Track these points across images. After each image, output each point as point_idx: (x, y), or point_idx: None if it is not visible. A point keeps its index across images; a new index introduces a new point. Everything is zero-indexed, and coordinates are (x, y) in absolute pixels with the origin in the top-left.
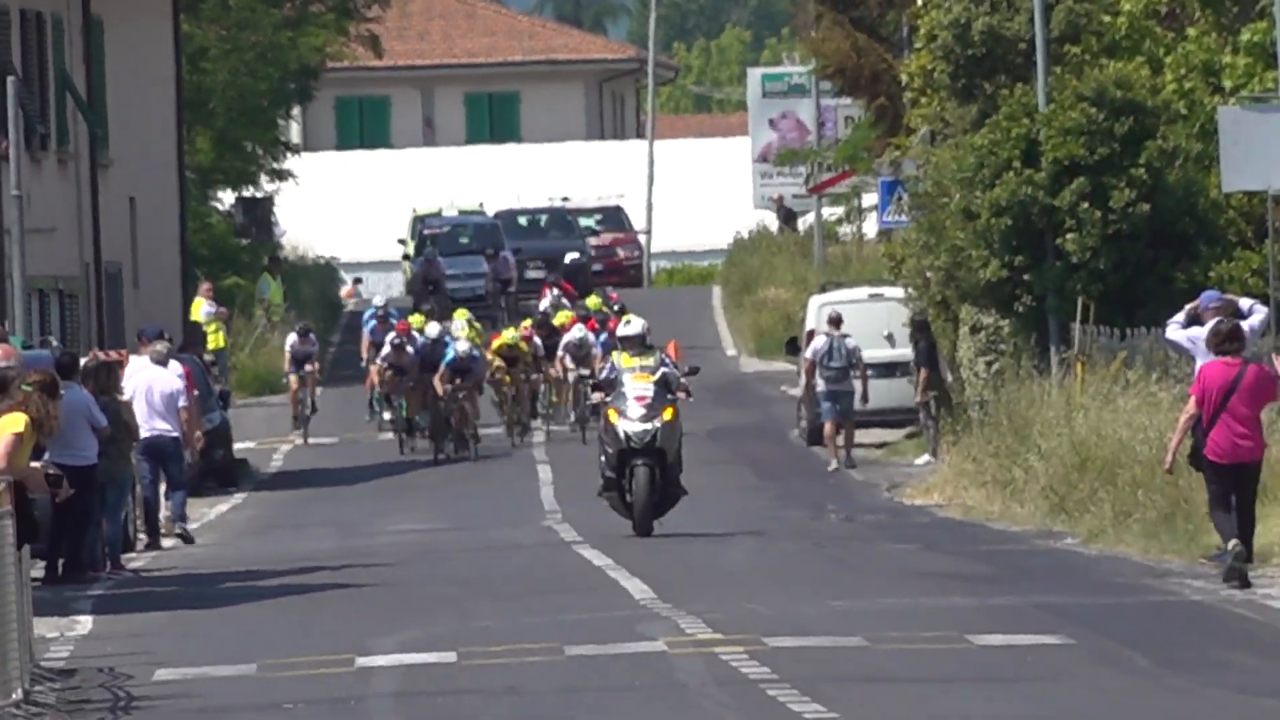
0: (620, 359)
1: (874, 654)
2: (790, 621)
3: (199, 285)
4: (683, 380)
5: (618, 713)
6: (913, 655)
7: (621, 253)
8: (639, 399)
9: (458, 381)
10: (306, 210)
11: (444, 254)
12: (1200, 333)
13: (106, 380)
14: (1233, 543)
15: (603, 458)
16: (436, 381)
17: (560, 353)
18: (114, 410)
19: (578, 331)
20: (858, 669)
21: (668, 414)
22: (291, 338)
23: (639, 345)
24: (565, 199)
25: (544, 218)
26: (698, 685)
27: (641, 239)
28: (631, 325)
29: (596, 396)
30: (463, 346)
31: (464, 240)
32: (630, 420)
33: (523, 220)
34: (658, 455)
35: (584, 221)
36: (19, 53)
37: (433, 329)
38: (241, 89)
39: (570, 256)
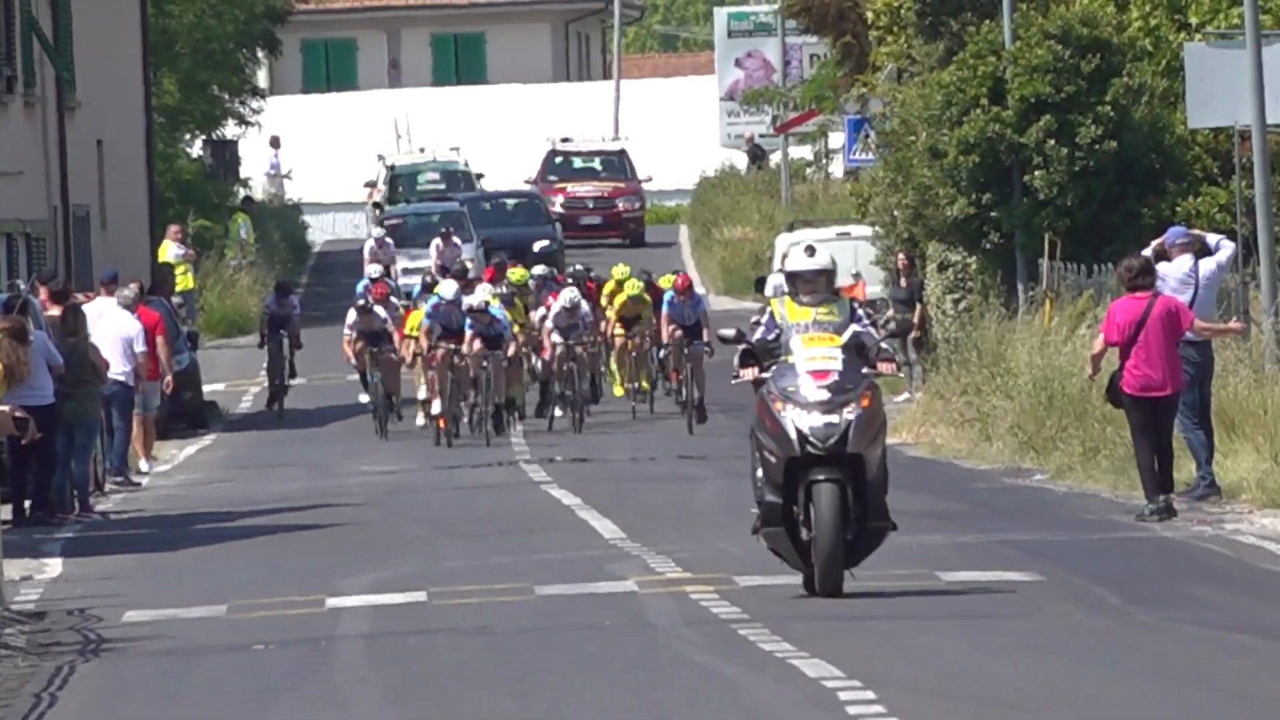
0: (786, 308)
1: (843, 593)
2: (760, 561)
3: (168, 228)
4: (884, 345)
5: (588, 653)
6: (883, 593)
7: (621, 205)
8: (817, 375)
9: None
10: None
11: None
12: (1168, 269)
13: (74, 322)
14: (1162, 498)
15: (758, 472)
16: (465, 346)
17: (549, 324)
18: (80, 352)
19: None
20: (828, 607)
21: (865, 399)
22: (269, 298)
23: (821, 287)
24: (567, 139)
25: (511, 203)
26: (668, 625)
27: (645, 187)
28: (806, 255)
29: (747, 373)
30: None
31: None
32: (805, 410)
33: (486, 205)
34: (851, 466)
35: (582, 164)
36: None
37: (447, 288)
38: (207, 32)
39: (539, 245)
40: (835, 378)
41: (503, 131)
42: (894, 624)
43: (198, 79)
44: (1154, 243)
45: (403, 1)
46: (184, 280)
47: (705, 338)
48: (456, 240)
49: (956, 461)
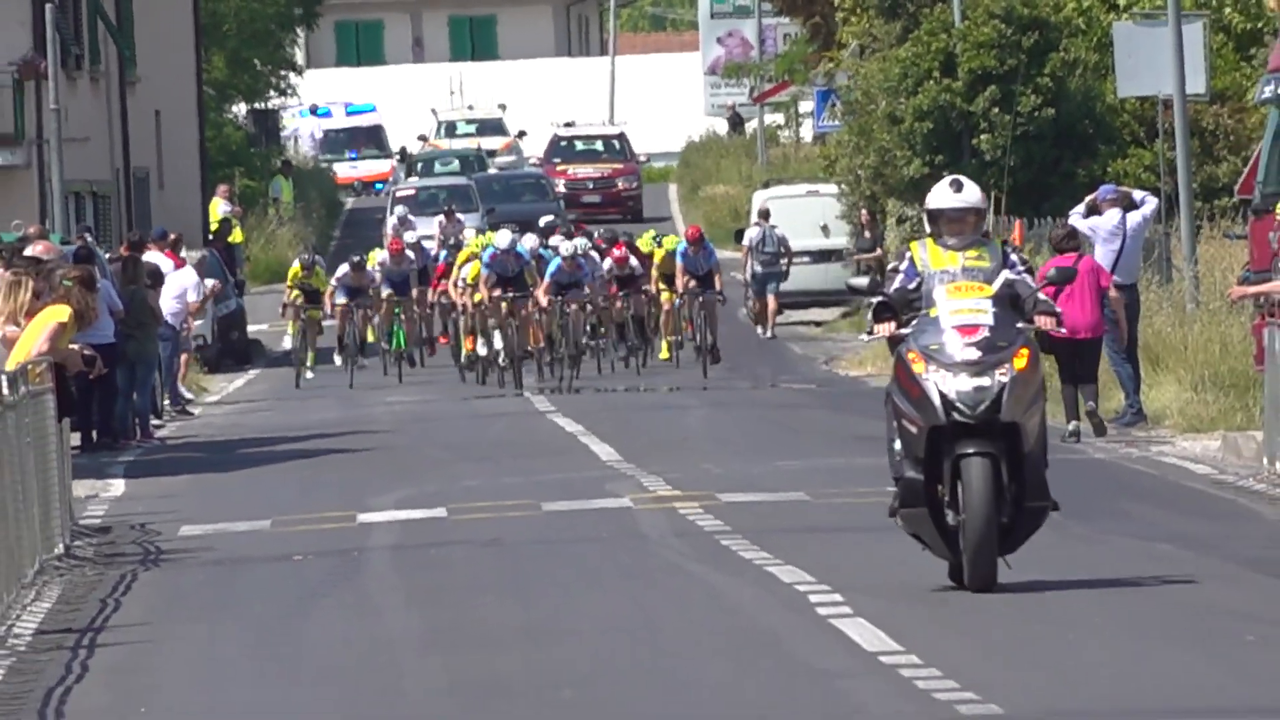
0: (928, 252)
1: (815, 507)
2: (740, 480)
3: (217, 186)
4: (1041, 296)
5: (589, 561)
6: (849, 508)
7: (620, 184)
8: (965, 330)
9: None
10: (310, 121)
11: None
12: (1099, 222)
13: (134, 271)
14: (1073, 424)
15: (895, 444)
16: (540, 294)
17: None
18: (140, 298)
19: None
20: (800, 521)
21: (1020, 359)
22: (343, 268)
23: (969, 227)
24: (570, 123)
25: (519, 182)
26: (659, 537)
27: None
28: (951, 190)
29: (882, 329)
30: (566, 249)
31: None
32: (951, 371)
33: (496, 185)
34: (1004, 436)
35: (584, 147)
36: None
37: (502, 238)
38: (252, 14)
39: (544, 220)
40: (986, 333)
41: (513, 101)
42: (859, 535)
43: (243, 56)
44: (1087, 199)
45: None
46: (233, 234)
47: (718, 285)
48: (460, 216)
49: None
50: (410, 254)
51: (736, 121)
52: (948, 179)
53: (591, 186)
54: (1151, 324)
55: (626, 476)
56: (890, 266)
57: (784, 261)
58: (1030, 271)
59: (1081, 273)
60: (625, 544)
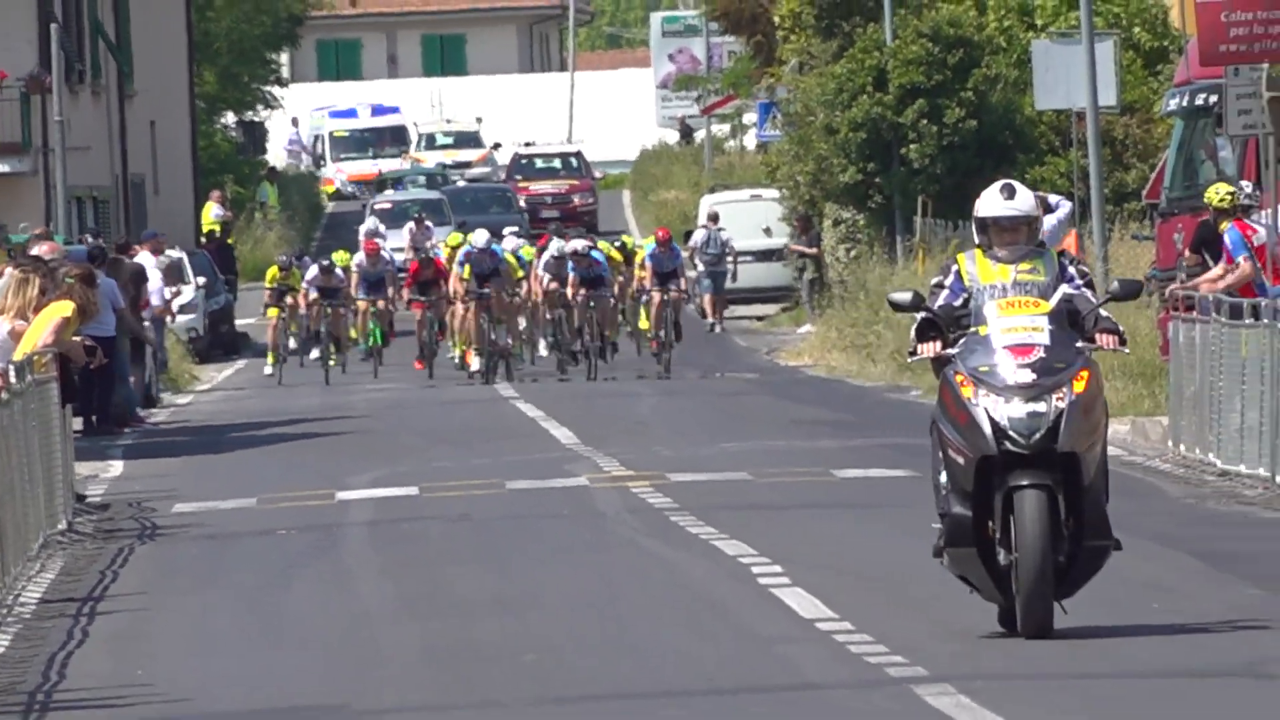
0: (976, 265)
1: (757, 486)
2: (689, 461)
3: (211, 192)
4: (1104, 313)
5: (549, 535)
6: (788, 487)
7: (577, 199)
8: (1018, 350)
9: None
10: (292, 131)
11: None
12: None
13: (116, 271)
14: None
15: (940, 475)
16: (569, 290)
17: (540, 270)
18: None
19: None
20: (743, 499)
21: (1080, 382)
22: (313, 270)
23: (1022, 237)
24: (529, 143)
25: (486, 195)
26: (614, 513)
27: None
28: (1002, 196)
29: (926, 349)
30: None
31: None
32: (1003, 395)
33: (466, 198)
34: (1062, 468)
35: (543, 165)
36: (59, 4)
37: (479, 236)
38: (240, 33)
39: (509, 230)
40: (1041, 354)
41: (482, 113)
42: (798, 511)
43: (232, 71)
44: None
45: (398, 8)
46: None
47: (683, 284)
48: (429, 224)
49: (847, 380)
50: (385, 254)
51: (686, 132)
52: (998, 184)
53: (550, 201)
54: None
55: (584, 458)
56: (935, 281)
57: (729, 260)
58: (1091, 285)
59: None
60: (583, 520)
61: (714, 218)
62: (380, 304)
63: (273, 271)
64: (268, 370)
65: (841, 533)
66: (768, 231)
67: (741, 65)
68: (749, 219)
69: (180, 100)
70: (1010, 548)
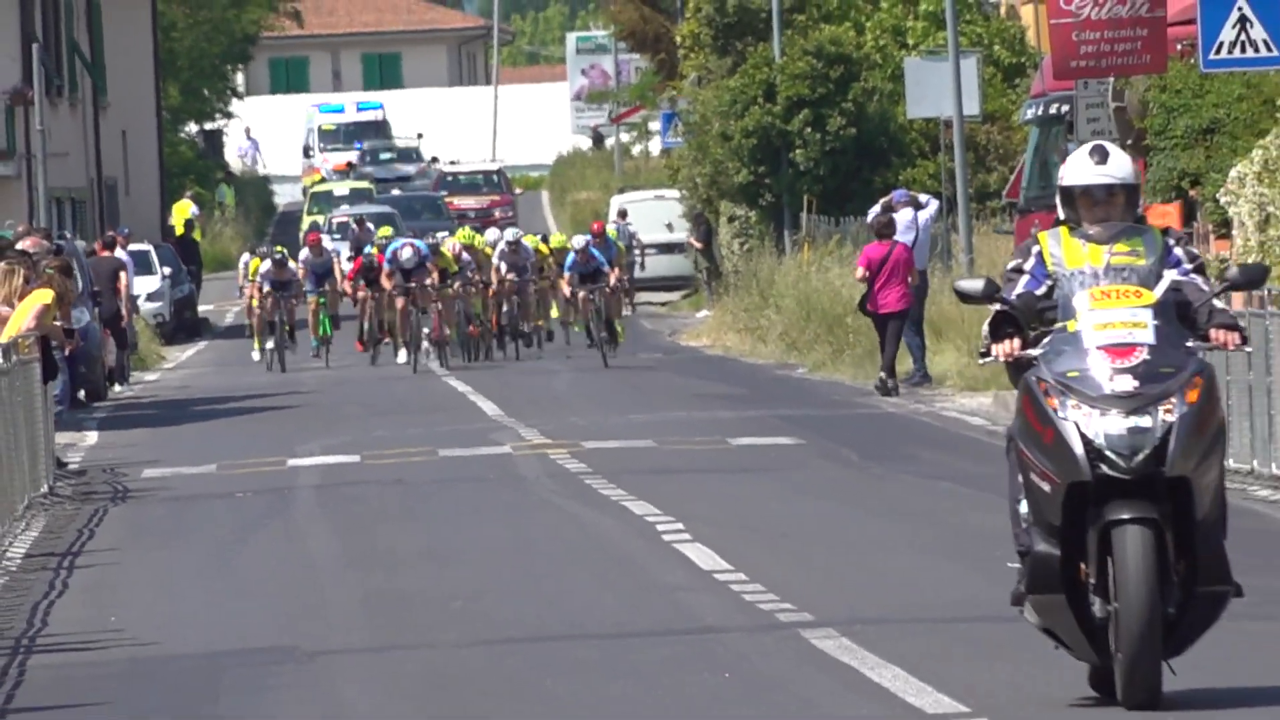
0: (1062, 246)
1: (661, 453)
2: (600, 430)
3: (184, 193)
4: (1219, 303)
5: (475, 497)
6: (689, 453)
7: (498, 213)
8: (1116, 351)
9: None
10: (245, 141)
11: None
12: (895, 219)
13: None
14: (881, 375)
15: (1021, 505)
16: (563, 285)
17: (497, 261)
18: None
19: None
20: (649, 463)
21: (1193, 391)
22: (265, 265)
23: (1117, 211)
24: (454, 162)
25: (420, 205)
26: (534, 477)
27: (516, 162)
28: (1093, 161)
29: (1001, 349)
30: (579, 242)
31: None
32: (1097, 408)
33: (402, 206)
34: (1172, 497)
35: (467, 180)
36: (40, 26)
37: (405, 252)
38: (201, 51)
39: (441, 234)
40: (1145, 356)
41: (415, 122)
42: (697, 475)
43: (193, 85)
44: (882, 200)
45: (342, 30)
46: (195, 232)
47: (614, 276)
48: (370, 226)
49: (741, 358)
50: (328, 245)
51: (597, 139)
52: (1086, 147)
53: (473, 215)
54: (936, 303)
55: (507, 428)
56: (1012, 265)
57: (636, 252)
58: (1202, 270)
59: (893, 258)
60: (506, 483)
61: (623, 214)
62: (327, 288)
63: (255, 263)
64: (256, 356)
65: (736, 493)
66: (670, 227)
67: (647, 79)
68: (654, 216)
69: (148, 111)
70: (1108, 595)
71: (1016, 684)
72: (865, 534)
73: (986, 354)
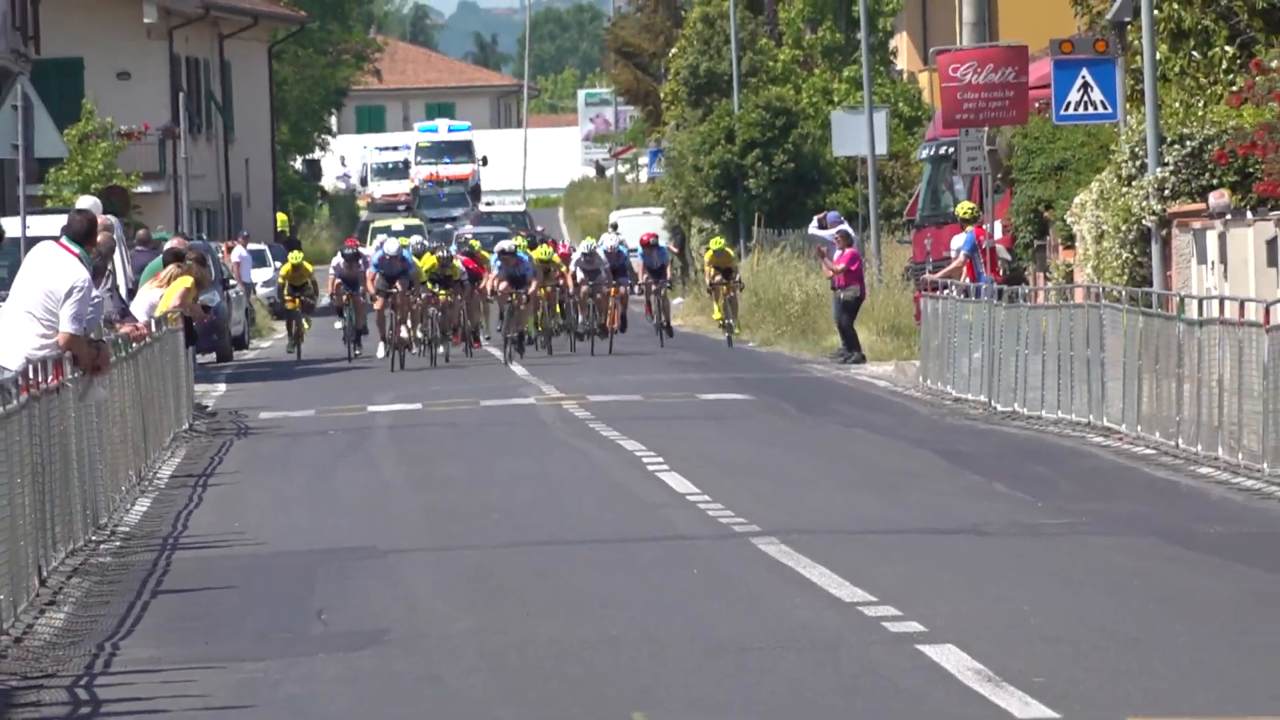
0: None
1: (647, 405)
2: (601, 388)
3: (288, 207)
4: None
5: (508, 436)
6: (667, 404)
7: None
8: None
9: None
10: (340, 167)
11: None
12: (826, 232)
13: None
14: (839, 349)
15: None
16: (568, 281)
17: (572, 267)
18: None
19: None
20: (638, 413)
21: None
22: (337, 260)
23: None
24: (489, 203)
25: (452, 198)
26: (551, 421)
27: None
28: None
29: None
30: (585, 246)
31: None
32: None
33: (442, 199)
34: None
35: (499, 219)
36: (185, 79)
37: (390, 245)
38: (304, 100)
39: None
40: None
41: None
42: (675, 422)
43: (299, 125)
44: (816, 217)
45: (410, 85)
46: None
47: (668, 276)
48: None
49: (706, 335)
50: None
51: (600, 170)
52: None
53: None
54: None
55: (532, 385)
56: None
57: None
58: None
59: (852, 256)
60: (530, 427)
61: (614, 225)
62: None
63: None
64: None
65: (702, 435)
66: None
67: (638, 125)
68: (642, 227)
69: (264, 144)
70: None
71: (913, 579)
72: (800, 468)
73: None
